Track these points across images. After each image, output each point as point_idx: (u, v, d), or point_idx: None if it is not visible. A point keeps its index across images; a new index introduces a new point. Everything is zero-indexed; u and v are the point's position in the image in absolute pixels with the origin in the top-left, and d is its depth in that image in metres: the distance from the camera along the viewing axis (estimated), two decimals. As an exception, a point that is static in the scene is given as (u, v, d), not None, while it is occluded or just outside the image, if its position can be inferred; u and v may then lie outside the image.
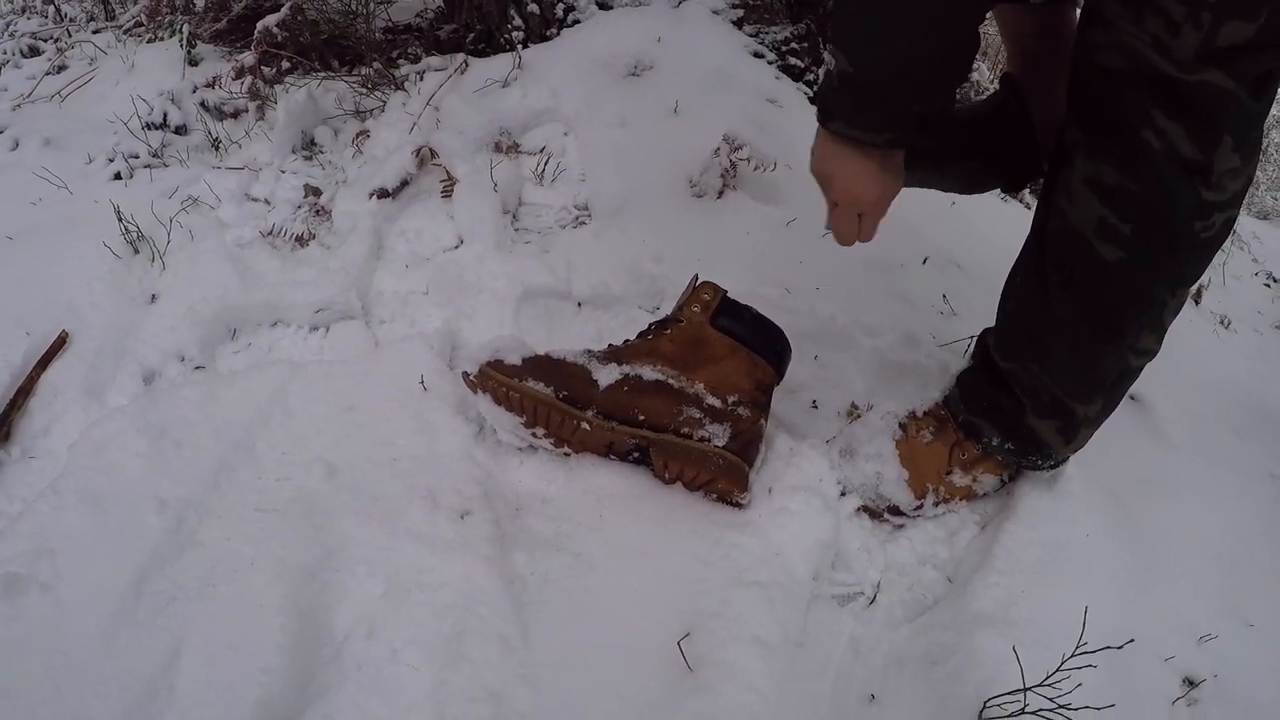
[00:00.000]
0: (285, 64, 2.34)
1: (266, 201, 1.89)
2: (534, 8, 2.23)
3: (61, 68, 2.95)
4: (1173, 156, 1.05)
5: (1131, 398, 1.66)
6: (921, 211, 1.98)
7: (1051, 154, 1.20)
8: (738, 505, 1.29)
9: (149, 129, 2.25)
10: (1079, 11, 1.10)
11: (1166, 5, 0.96)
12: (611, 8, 2.24)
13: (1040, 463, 1.35)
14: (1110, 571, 1.33)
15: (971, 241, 2.02)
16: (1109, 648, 1.14)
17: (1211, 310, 2.34)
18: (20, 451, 1.47)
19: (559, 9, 2.23)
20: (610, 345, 1.34)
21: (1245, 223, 3.51)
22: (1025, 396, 1.28)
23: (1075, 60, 1.11)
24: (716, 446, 1.25)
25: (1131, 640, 1.17)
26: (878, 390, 1.54)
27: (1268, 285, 2.89)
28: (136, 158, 2.15)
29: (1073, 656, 1.12)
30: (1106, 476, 1.46)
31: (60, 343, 1.59)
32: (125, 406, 1.42)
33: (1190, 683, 1.24)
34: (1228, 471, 1.63)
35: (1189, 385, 1.81)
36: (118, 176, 2.11)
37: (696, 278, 1.38)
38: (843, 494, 1.34)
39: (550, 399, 1.24)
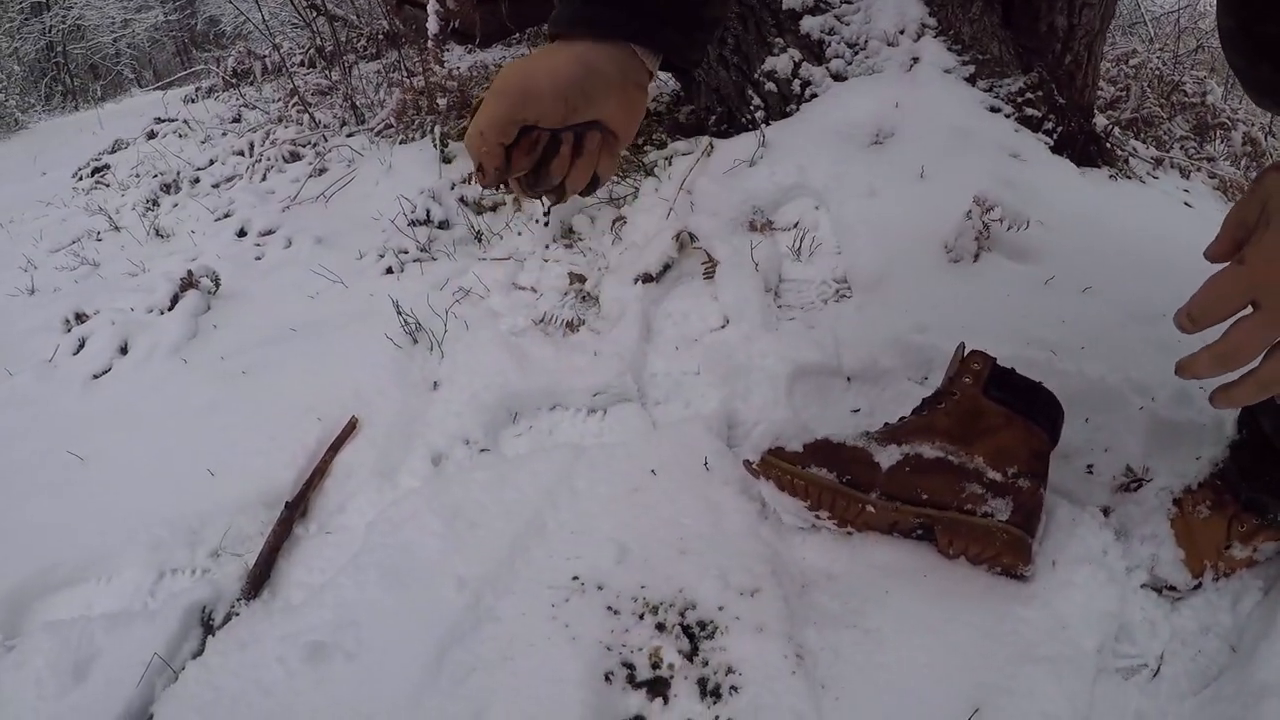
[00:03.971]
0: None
1: (533, 289, 1.98)
2: (771, 86, 2.26)
3: (322, 170, 3.22)
4: None
5: None
6: (1165, 249, 1.86)
7: None
8: (1021, 578, 1.24)
9: (414, 225, 2.41)
10: None
11: None
12: (846, 79, 2.25)
13: None
14: None
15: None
16: None
17: None
18: (317, 527, 1.57)
19: (796, 85, 2.25)
20: (886, 424, 1.32)
21: None
22: None
23: None
24: (1000, 522, 1.22)
25: None
26: (1153, 452, 1.45)
27: None
28: (405, 253, 2.30)
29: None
30: None
31: (351, 427, 1.71)
32: (418, 488, 1.50)
33: None
34: None
35: None
36: (389, 271, 2.27)
37: (964, 347, 1.35)
38: (1129, 569, 1.27)
39: (834, 484, 1.24)
